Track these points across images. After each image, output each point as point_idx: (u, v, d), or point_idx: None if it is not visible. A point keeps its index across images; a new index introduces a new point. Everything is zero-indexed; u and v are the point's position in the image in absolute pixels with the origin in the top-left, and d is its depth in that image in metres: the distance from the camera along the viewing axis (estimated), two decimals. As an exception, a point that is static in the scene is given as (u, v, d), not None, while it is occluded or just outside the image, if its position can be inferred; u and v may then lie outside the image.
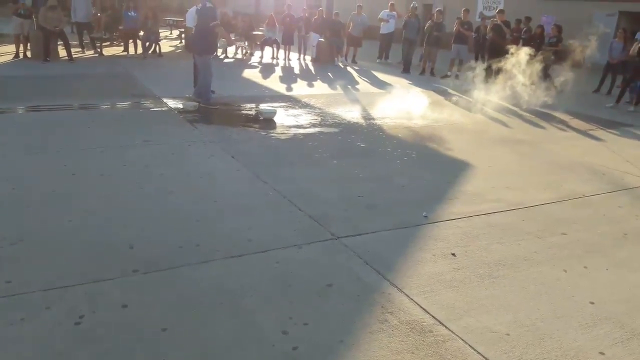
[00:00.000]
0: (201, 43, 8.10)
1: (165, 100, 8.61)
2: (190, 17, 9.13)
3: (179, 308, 2.93)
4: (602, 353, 2.80)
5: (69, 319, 2.76)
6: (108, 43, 15.56)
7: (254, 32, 16.62)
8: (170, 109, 8.02)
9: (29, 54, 12.39)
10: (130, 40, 14.52)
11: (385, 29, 15.88)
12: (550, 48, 12.77)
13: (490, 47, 13.86)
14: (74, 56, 12.50)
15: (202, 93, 8.29)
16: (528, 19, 14.63)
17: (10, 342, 2.57)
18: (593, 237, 4.31)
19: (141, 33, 14.32)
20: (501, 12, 13.76)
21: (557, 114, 9.53)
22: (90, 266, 3.30)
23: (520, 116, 9.32)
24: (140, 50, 14.14)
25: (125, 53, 14.44)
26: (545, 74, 12.29)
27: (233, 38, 15.50)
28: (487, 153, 6.63)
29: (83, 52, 14.01)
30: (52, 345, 2.57)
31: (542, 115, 9.41)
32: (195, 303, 2.99)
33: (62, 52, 12.45)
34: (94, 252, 3.47)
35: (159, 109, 8.05)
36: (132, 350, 2.58)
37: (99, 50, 14.07)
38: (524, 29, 14.26)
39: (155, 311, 2.89)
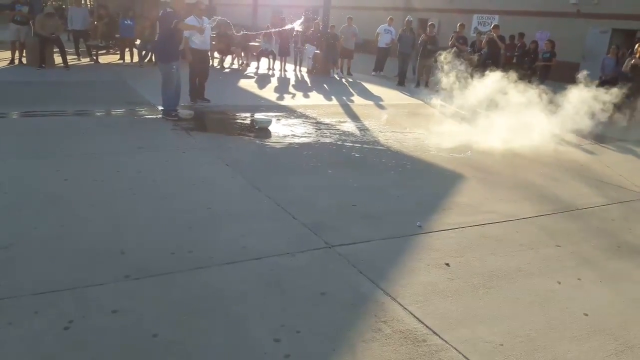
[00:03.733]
0: (161, 50, 7.88)
1: (160, 107, 8.57)
2: None
3: (171, 314, 2.90)
4: (596, 364, 2.79)
5: (58, 324, 2.71)
6: (104, 51, 15.56)
7: (250, 43, 16.68)
8: (166, 117, 7.99)
9: (24, 60, 12.36)
10: (127, 49, 14.52)
11: (382, 42, 16.00)
12: (544, 63, 12.90)
13: (485, 62, 13.99)
14: (69, 63, 12.48)
15: (164, 102, 7.96)
16: (522, 34, 14.80)
17: (-2, 347, 2.53)
18: (587, 249, 4.31)
19: (138, 42, 14.34)
20: (496, 27, 13.91)
21: (550, 127, 9.56)
22: (81, 271, 3.26)
23: (512, 129, 9.35)
24: (136, 58, 14.15)
25: (121, 61, 14.43)
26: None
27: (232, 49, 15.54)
28: (480, 165, 6.64)
29: (79, 60, 13.99)
30: (41, 350, 2.53)
31: (534, 128, 9.44)
32: (187, 309, 2.95)
33: (58, 59, 12.43)
34: (85, 257, 3.44)
35: (154, 116, 8.04)
36: (121, 356, 2.54)
37: (95, 58, 14.05)
38: (518, 44, 14.43)
39: (146, 317, 2.85)
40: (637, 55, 11.07)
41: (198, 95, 9.36)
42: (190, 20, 8.70)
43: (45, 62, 11.91)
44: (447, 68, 11.16)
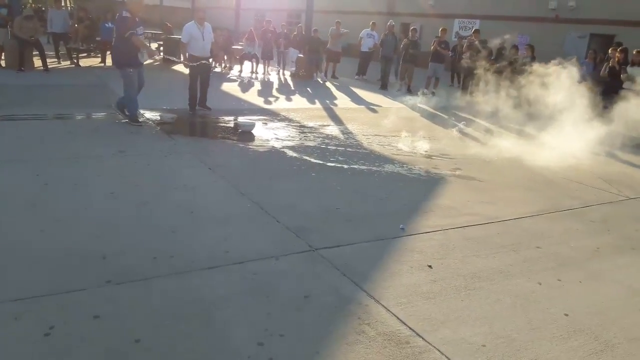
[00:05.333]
0: (117, 55, 7.56)
1: (142, 111, 8.51)
2: (186, 33, 8.61)
3: (153, 319, 2.87)
4: (576, 364, 2.83)
5: (39, 330, 2.67)
6: (85, 54, 15.40)
7: (233, 47, 16.64)
8: (148, 120, 7.94)
9: (3, 63, 12.19)
10: (108, 52, 14.38)
11: (365, 46, 16.09)
12: (524, 67, 13.07)
13: (466, 66, 14.14)
14: (49, 66, 12.33)
15: (127, 107, 7.68)
16: (502, 39, 14.96)
17: (-24, 354, 2.48)
18: (567, 250, 4.37)
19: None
20: (476, 31, 14.06)
21: (531, 131, 9.70)
22: (62, 276, 3.22)
23: (493, 132, 9.48)
24: (117, 61, 14.03)
25: (102, 64, 14.30)
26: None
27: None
28: (462, 168, 6.71)
29: (59, 63, 13.84)
30: (21, 357, 2.49)
31: (516, 132, 9.59)
32: (169, 314, 2.93)
33: (38, 62, 12.28)
34: (66, 263, 3.39)
35: (136, 120, 7.96)
36: (103, 362, 2.51)
37: (75, 60, 13.91)
38: (498, 47, 14.58)
39: (128, 322, 2.82)
40: (617, 59, 11.28)
41: (200, 103, 9.12)
42: (190, 26, 8.60)
43: (24, 65, 11.76)
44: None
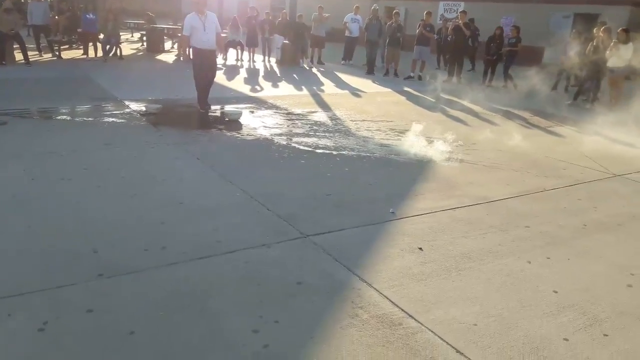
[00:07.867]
0: None
1: (127, 102, 8.45)
2: (187, 25, 7.92)
3: (146, 311, 2.88)
4: (566, 339, 2.87)
5: (32, 326, 2.67)
6: (67, 46, 15.18)
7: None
8: (133, 112, 7.87)
9: (-17, 57, 12.00)
10: (90, 43, 14.21)
11: (350, 31, 16.02)
12: (509, 49, 13.11)
13: (452, 48, 14.15)
14: (31, 59, 12.15)
15: None
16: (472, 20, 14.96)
17: (-31, 351, 2.47)
18: (555, 229, 4.43)
19: (101, 36, 14.04)
20: (463, 13, 14.03)
21: (517, 112, 9.77)
22: (53, 272, 3.20)
23: (479, 115, 9.52)
24: (100, 53, 13.86)
25: (85, 56, 14.11)
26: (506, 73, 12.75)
27: None
28: (450, 151, 6.73)
29: (40, 56, 13.64)
30: (15, 353, 2.48)
31: (502, 113, 9.64)
32: (163, 305, 2.93)
33: (19, 56, 12.09)
34: (56, 258, 3.38)
35: (121, 111, 7.89)
36: (99, 356, 2.51)
37: (57, 53, 13.71)
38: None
39: (121, 315, 2.83)
40: (601, 40, 11.30)
41: (198, 99, 8.33)
42: (192, 17, 7.91)
43: (5, 59, 11.59)
44: None
